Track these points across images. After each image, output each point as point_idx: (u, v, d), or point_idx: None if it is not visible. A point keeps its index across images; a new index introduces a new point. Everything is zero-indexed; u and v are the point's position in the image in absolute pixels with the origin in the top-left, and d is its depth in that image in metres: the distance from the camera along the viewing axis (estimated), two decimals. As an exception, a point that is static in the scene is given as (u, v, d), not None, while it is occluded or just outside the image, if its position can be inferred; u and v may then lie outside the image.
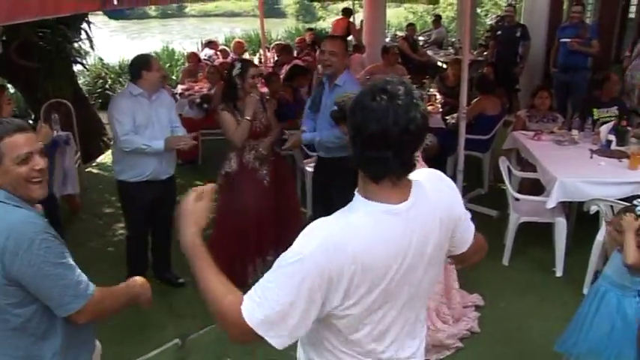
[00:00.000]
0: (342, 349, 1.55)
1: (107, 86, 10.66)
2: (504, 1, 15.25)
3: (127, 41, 21.98)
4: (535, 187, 4.75)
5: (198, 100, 7.09)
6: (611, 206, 3.86)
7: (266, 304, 1.37)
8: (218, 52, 9.93)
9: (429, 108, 6.19)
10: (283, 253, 1.41)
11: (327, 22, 21.48)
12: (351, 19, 11.36)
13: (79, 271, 1.85)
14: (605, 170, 4.38)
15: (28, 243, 1.72)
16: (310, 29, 12.51)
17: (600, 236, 3.93)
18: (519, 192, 4.66)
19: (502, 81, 7.52)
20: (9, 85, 6.88)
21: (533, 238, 4.63)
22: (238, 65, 3.93)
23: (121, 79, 10.65)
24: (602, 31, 8.07)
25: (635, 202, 2.85)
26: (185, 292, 4.19)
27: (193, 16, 34.67)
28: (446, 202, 1.57)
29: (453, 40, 12.38)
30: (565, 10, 9.91)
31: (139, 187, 3.87)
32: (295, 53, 9.66)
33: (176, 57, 13.20)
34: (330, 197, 3.58)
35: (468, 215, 1.68)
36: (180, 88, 8.03)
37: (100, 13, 15.83)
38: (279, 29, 18.55)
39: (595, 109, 5.37)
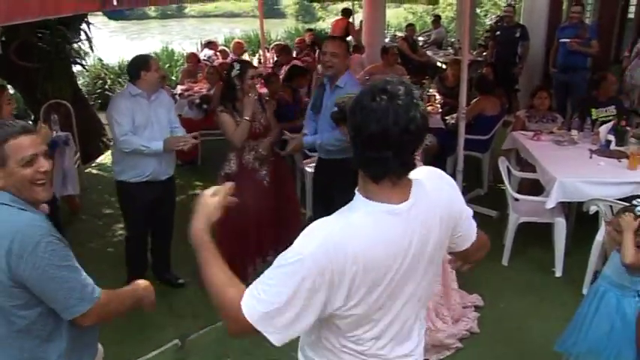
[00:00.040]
0: (342, 349, 1.56)
1: (106, 87, 10.66)
2: (504, 1, 15.24)
3: (126, 42, 21.97)
4: (534, 188, 4.75)
5: (197, 101, 7.09)
6: (611, 206, 3.86)
7: (265, 301, 1.38)
8: (217, 53, 9.93)
9: (429, 108, 6.19)
10: (283, 252, 1.42)
11: (327, 22, 21.47)
12: (351, 20, 11.35)
13: (84, 274, 1.85)
14: (604, 170, 4.38)
15: (34, 246, 1.72)
16: (310, 30, 12.50)
17: (600, 236, 3.93)
18: (519, 192, 4.67)
19: (501, 81, 7.53)
20: (8, 86, 6.87)
21: (533, 239, 4.63)
22: (237, 66, 3.93)
23: (120, 80, 10.65)
24: (601, 31, 8.08)
25: (634, 202, 2.86)
26: (185, 292, 4.20)
27: (193, 16, 34.66)
28: (446, 200, 1.57)
29: (453, 40, 12.38)
30: (564, 10, 9.92)
31: (138, 187, 3.87)
32: (295, 54, 9.66)
33: (175, 57, 13.19)
34: (331, 198, 3.57)
35: (470, 212, 1.68)
36: (179, 88, 8.03)
37: (100, 13, 15.87)
38: (279, 30, 18.55)
39: (593, 109, 5.38)
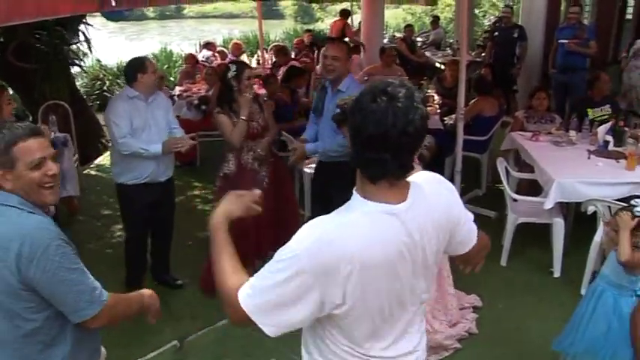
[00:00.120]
0: (343, 348, 1.56)
1: (105, 88, 10.64)
2: (502, 2, 15.27)
3: (125, 43, 21.98)
4: (533, 188, 4.76)
5: (196, 102, 7.09)
6: (609, 207, 3.87)
7: (260, 293, 1.42)
8: (216, 54, 9.93)
9: (427, 109, 6.19)
10: (281, 248, 1.44)
11: (326, 23, 21.48)
12: (349, 21, 11.36)
13: (92, 277, 1.85)
14: (602, 171, 4.39)
15: (44, 249, 1.72)
16: (308, 30, 12.51)
17: (598, 237, 3.94)
18: (517, 193, 4.67)
19: (500, 82, 7.55)
20: (6, 87, 6.87)
21: (531, 239, 4.63)
22: (233, 67, 3.93)
23: (119, 81, 10.64)
24: (599, 31, 8.10)
25: (632, 202, 2.87)
26: (183, 293, 4.20)
27: (191, 17, 34.68)
28: (444, 204, 1.57)
29: (451, 41, 12.38)
30: (562, 11, 9.94)
31: (137, 189, 3.86)
32: (293, 55, 9.67)
33: (174, 58, 13.19)
34: (329, 198, 3.57)
35: (470, 217, 1.68)
36: (178, 89, 8.03)
37: (99, 14, 15.85)
38: (278, 31, 18.56)
39: (589, 109, 5.39)
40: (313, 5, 24.06)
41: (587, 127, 5.20)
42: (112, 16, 26.06)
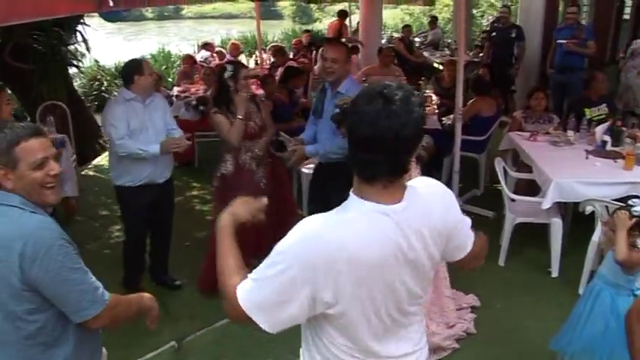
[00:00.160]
0: (341, 349, 1.56)
1: (103, 88, 10.65)
2: (500, 2, 15.28)
3: (123, 43, 21.97)
4: (531, 188, 4.76)
5: (194, 102, 7.09)
6: (607, 207, 3.87)
7: (255, 290, 1.45)
8: (214, 54, 9.94)
9: (425, 109, 6.19)
10: (275, 246, 1.48)
11: (324, 23, 21.48)
12: (347, 22, 11.37)
13: (94, 277, 1.85)
14: (600, 171, 4.39)
15: (47, 248, 1.71)
16: (307, 31, 12.51)
17: (596, 237, 3.94)
18: (515, 193, 4.67)
19: (497, 82, 7.55)
20: (4, 87, 6.86)
21: (529, 239, 4.63)
22: (230, 68, 3.92)
23: (116, 82, 10.63)
24: (597, 32, 8.11)
25: (630, 201, 2.87)
26: (181, 294, 4.19)
27: (190, 18, 34.66)
28: (442, 210, 1.57)
29: (449, 41, 12.40)
30: (561, 11, 9.95)
31: (135, 191, 3.85)
32: (292, 55, 9.67)
33: (172, 59, 13.19)
34: (328, 198, 3.57)
35: (468, 223, 1.68)
36: (176, 90, 8.03)
37: (96, 15, 15.83)
38: (276, 31, 18.57)
39: (587, 109, 5.40)
40: (311, 5, 24.08)
41: (584, 127, 5.21)
42: (110, 16, 26.01)
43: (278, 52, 8.97)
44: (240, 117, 3.80)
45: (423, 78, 8.62)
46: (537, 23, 8.57)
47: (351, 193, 1.51)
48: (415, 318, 1.64)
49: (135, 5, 4.69)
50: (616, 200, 3.83)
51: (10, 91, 7.20)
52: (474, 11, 15.02)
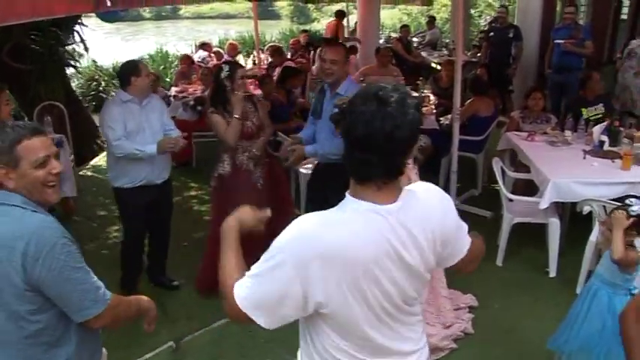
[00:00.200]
0: (339, 348, 1.56)
1: (101, 89, 10.63)
2: (498, 2, 15.30)
3: (121, 43, 21.94)
4: (529, 188, 4.77)
5: (191, 103, 7.08)
6: (604, 207, 3.88)
7: (250, 287, 1.48)
8: (212, 54, 9.93)
9: (423, 109, 6.20)
10: (273, 242, 1.50)
11: (322, 23, 21.50)
12: (345, 22, 11.37)
13: (95, 276, 1.85)
14: (597, 171, 4.40)
15: (50, 247, 1.72)
16: (305, 31, 12.52)
17: (593, 237, 3.95)
18: (513, 193, 4.68)
19: (495, 82, 7.55)
20: (3, 87, 6.85)
21: (527, 239, 4.64)
22: (226, 68, 3.92)
23: (114, 82, 10.60)
24: (594, 32, 8.12)
25: (627, 201, 2.88)
26: (179, 294, 4.19)
27: (187, 18, 34.64)
28: (439, 215, 1.58)
29: (447, 41, 12.42)
30: (558, 11, 9.96)
31: (133, 192, 3.85)
32: (290, 55, 9.67)
33: (170, 59, 13.18)
34: (326, 199, 3.56)
35: (465, 228, 1.69)
36: (173, 90, 8.02)
37: (94, 15, 15.82)
38: (274, 31, 18.56)
39: (584, 109, 5.41)
40: (309, 5, 24.08)
41: (582, 127, 5.22)
42: (108, 16, 25.99)
43: (276, 52, 8.97)
44: (236, 116, 3.80)
45: (420, 78, 8.63)
46: (535, 23, 8.58)
47: (347, 194, 1.52)
48: (414, 318, 1.63)
49: (132, 5, 4.69)
50: (614, 200, 3.84)
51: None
52: (472, 11, 15.03)
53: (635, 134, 4.82)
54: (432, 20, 13.23)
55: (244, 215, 1.74)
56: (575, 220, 4.42)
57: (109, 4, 3.05)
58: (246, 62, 10.30)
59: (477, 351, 3.50)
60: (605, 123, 4.99)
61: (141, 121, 3.78)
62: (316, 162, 4.07)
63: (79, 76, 10.25)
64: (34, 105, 6.28)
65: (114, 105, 3.81)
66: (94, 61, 10.95)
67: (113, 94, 6.62)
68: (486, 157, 5.83)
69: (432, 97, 7.04)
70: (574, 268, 4.10)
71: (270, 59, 9.10)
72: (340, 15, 11.28)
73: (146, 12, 31.87)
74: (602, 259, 2.94)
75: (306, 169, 4.90)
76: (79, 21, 7.41)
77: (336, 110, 3.44)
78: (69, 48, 7.62)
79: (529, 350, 3.47)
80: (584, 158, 4.64)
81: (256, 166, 4.02)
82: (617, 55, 8.87)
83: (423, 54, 11.45)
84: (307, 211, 1.65)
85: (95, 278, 1.85)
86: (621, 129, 4.93)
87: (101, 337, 2.07)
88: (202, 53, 9.96)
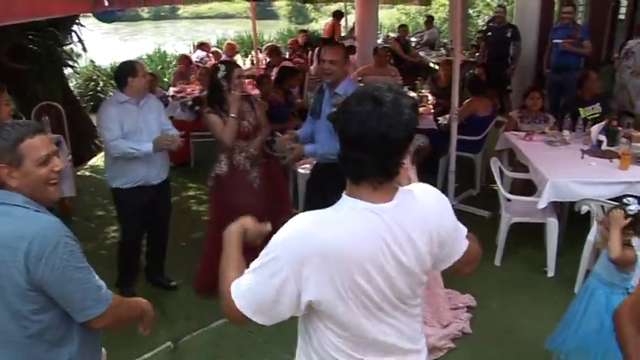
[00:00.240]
0: (337, 348, 1.56)
1: (99, 89, 10.61)
2: (496, 2, 15.31)
3: (119, 43, 21.93)
4: (527, 188, 4.77)
5: (189, 103, 7.08)
6: (602, 206, 3.88)
7: (246, 285, 1.48)
8: (210, 54, 9.92)
9: (421, 109, 6.20)
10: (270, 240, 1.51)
11: (320, 23, 21.52)
12: (342, 22, 11.38)
13: (97, 276, 1.85)
14: (596, 170, 4.40)
15: (53, 247, 1.71)
16: (303, 31, 12.52)
17: (591, 236, 3.95)
18: (511, 192, 4.68)
19: (493, 82, 7.56)
20: (2, 87, 6.83)
21: (525, 239, 4.64)
22: (223, 67, 3.91)
23: (112, 82, 10.55)
24: (592, 31, 8.13)
25: (625, 200, 2.88)
26: (177, 294, 4.19)
27: (186, 17, 34.65)
28: (436, 217, 1.58)
29: (445, 41, 12.42)
30: (556, 11, 9.97)
31: (131, 193, 3.84)
32: (287, 55, 9.66)
33: (168, 59, 13.16)
34: (324, 199, 3.56)
35: (463, 231, 1.68)
36: (172, 90, 8.01)
37: (92, 15, 15.80)
38: (272, 31, 18.57)
39: (581, 109, 5.41)
40: (307, 5, 24.05)
41: (580, 127, 5.22)
42: (105, 17, 25.95)
43: (274, 52, 8.97)
44: (232, 116, 3.79)
45: (419, 78, 8.62)
46: (533, 23, 8.59)
47: (343, 193, 1.53)
48: (411, 316, 1.63)
49: (130, 5, 4.69)
50: (611, 200, 3.84)
51: (5, 92, 7.18)
52: (470, 11, 15.05)
53: (633, 134, 4.83)
54: (430, 20, 13.24)
55: (249, 223, 1.75)
56: (574, 219, 4.42)
57: (106, 3, 3.04)
58: (244, 62, 10.31)
59: (475, 351, 3.50)
60: (603, 123, 4.99)
61: (138, 121, 3.77)
62: (315, 162, 4.07)
63: (77, 76, 10.24)
64: (31, 105, 6.26)
65: (110, 105, 3.80)
66: (91, 61, 10.94)
67: (111, 94, 6.60)
68: (484, 157, 5.83)
69: (430, 97, 7.03)
70: (572, 267, 4.10)
71: (268, 59, 9.10)
72: (338, 15, 11.29)
73: (144, 12, 31.85)
74: (600, 258, 2.95)
75: (304, 169, 4.90)
76: (77, 21, 7.39)
77: (334, 110, 3.45)
78: (67, 48, 7.60)
79: (527, 350, 3.47)
80: (582, 158, 4.64)
81: (253, 166, 4.01)
82: (614, 55, 8.89)
83: (421, 54, 11.45)
84: (305, 211, 1.65)
85: (97, 278, 1.85)
86: (619, 128, 4.93)
87: (100, 338, 2.07)
88: (200, 53, 9.95)
